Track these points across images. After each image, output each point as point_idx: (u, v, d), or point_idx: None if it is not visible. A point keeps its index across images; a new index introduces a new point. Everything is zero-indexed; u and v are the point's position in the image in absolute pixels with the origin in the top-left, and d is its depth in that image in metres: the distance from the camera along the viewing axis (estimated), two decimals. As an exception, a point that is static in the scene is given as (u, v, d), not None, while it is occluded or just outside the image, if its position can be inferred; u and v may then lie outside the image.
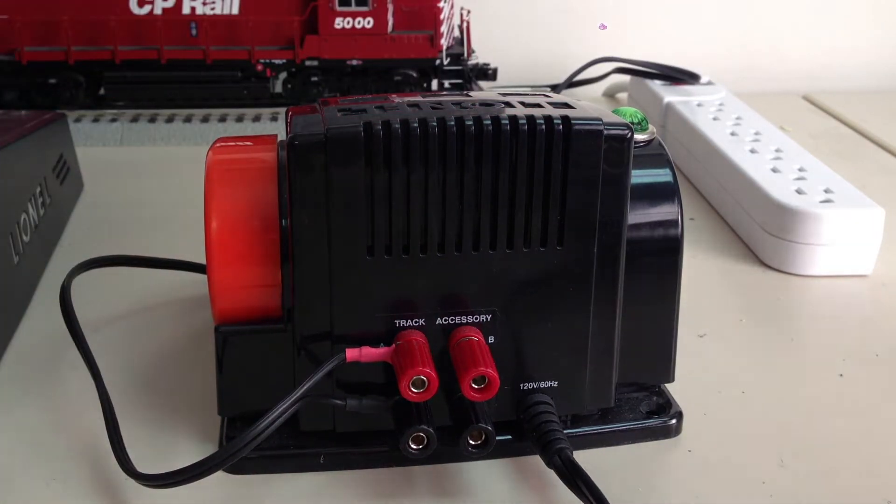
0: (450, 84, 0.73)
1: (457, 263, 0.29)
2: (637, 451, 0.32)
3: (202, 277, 0.32)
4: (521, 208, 0.29)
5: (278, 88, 0.73)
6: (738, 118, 0.60)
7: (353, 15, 0.69)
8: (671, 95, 0.67)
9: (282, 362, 0.30)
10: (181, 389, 0.35)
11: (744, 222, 0.50)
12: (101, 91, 0.71)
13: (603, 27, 0.82)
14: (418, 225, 0.28)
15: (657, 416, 0.33)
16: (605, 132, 0.28)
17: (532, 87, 0.76)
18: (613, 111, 0.31)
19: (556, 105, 0.30)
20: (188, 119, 0.68)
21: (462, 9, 0.73)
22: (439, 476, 0.31)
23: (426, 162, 0.28)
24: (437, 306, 0.29)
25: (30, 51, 0.68)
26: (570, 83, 0.76)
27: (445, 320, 0.30)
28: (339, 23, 0.69)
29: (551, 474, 0.29)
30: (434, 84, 0.73)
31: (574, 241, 0.29)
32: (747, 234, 0.50)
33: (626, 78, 0.75)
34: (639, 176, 0.31)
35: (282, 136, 0.31)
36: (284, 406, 0.28)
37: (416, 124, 0.28)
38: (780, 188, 0.48)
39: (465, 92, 0.34)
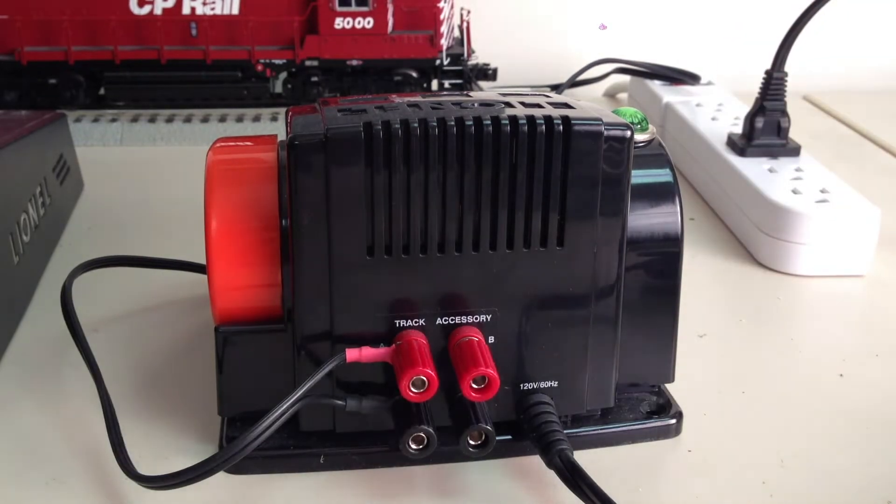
0: (450, 84, 0.73)
1: (457, 263, 0.29)
2: (637, 451, 0.32)
3: (202, 277, 0.32)
4: (521, 208, 0.29)
5: (278, 88, 0.73)
6: (736, 118, 0.60)
7: (353, 15, 0.69)
8: (671, 96, 0.67)
9: (282, 362, 0.30)
10: (181, 389, 0.35)
11: (741, 223, 0.50)
12: (101, 91, 0.71)
13: (603, 27, 0.82)
14: (418, 225, 0.28)
15: (657, 416, 0.33)
16: (605, 132, 0.28)
17: (532, 87, 0.76)
18: (613, 111, 0.31)
19: (556, 105, 0.30)
20: (188, 119, 0.68)
21: (462, 9, 0.73)
22: (439, 476, 0.31)
23: (426, 162, 0.28)
24: (437, 306, 0.29)
25: (30, 51, 0.68)
26: (572, 83, 0.76)
27: (445, 320, 0.30)
28: (339, 23, 0.69)
29: (551, 474, 0.29)
30: (434, 84, 0.73)
31: (574, 242, 0.29)
32: (744, 235, 0.50)
33: (626, 78, 0.75)
34: (639, 176, 0.31)
35: (282, 136, 0.31)
36: (285, 406, 0.28)
37: (415, 124, 0.28)
38: (776, 188, 0.48)
39: (465, 92, 0.34)
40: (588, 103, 0.30)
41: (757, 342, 0.40)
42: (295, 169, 0.28)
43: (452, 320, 0.30)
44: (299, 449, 0.31)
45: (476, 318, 0.30)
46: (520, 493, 0.30)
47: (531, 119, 0.28)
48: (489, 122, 0.28)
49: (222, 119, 0.68)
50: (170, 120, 0.68)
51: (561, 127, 0.28)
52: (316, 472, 0.31)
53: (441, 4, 0.70)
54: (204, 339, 0.38)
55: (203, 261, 0.30)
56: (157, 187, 0.57)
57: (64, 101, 0.70)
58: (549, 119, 0.28)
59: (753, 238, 0.49)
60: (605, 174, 0.29)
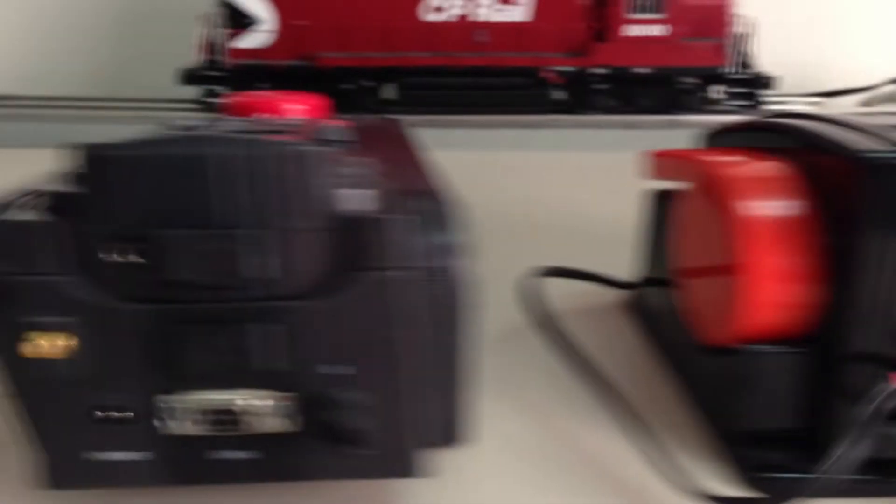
0: (731, 93, 0.72)
1: None
2: None
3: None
4: None
5: (559, 95, 0.73)
6: None
7: (646, 22, 0.68)
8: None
9: (801, 382, 0.29)
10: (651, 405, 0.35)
11: None
12: (394, 96, 0.72)
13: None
14: None
15: None
16: None
17: (809, 94, 0.74)
18: None
19: None
20: (505, 124, 0.68)
21: (746, 16, 0.72)
22: None
23: None
24: None
25: (327, 56, 0.70)
26: (839, 93, 0.73)
27: None
28: (631, 30, 0.68)
29: None
30: (716, 92, 0.72)
31: None
32: None
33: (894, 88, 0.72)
34: None
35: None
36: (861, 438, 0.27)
37: None
38: None
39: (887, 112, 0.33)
40: None
41: None
42: (866, 187, 0.27)
43: None
44: (871, 476, 0.29)
45: None
46: None
47: None
48: None
49: (521, 125, 0.68)
50: (468, 126, 0.68)
51: None
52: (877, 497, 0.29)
53: (730, 12, 0.69)
54: (625, 352, 0.38)
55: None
56: (488, 192, 0.57)
57: (358, 106, 0.71)
58: None
59: None
60: None
